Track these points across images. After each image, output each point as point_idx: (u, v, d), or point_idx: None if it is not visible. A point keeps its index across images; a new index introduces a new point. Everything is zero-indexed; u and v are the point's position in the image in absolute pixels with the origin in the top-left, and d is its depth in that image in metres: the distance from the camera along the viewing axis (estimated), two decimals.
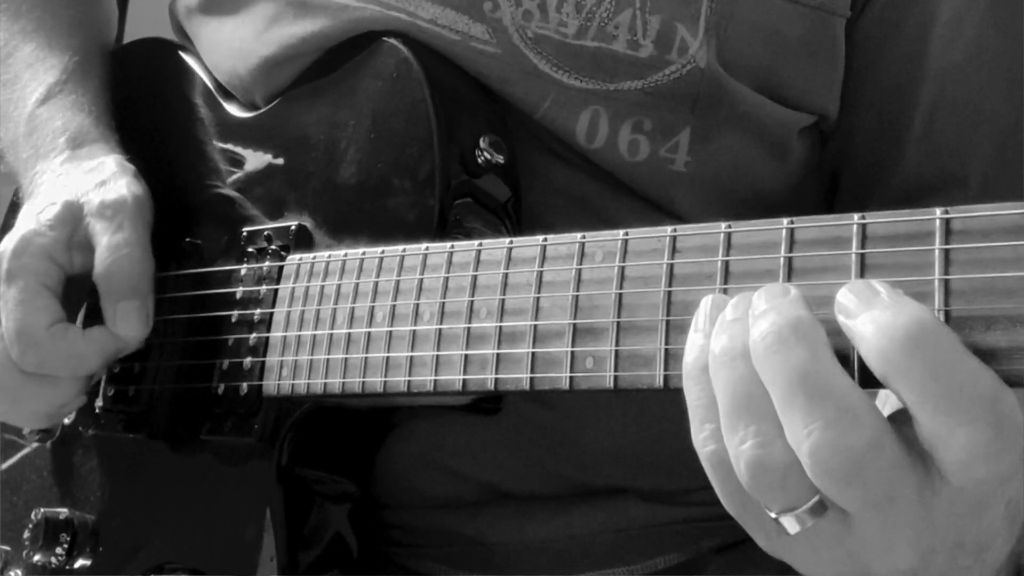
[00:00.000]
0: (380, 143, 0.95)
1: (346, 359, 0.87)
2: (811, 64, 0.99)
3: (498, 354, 0.77)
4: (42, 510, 1.08)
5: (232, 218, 1.05)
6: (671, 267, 0.69)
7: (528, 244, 0.78)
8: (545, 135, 0.98)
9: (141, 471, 1.06)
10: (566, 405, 0.97)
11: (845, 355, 0.59)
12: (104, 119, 1.13)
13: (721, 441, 0.62)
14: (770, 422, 0.59)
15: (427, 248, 0.84)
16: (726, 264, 0.67)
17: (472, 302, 0.80)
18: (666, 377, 0.68)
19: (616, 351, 0.71)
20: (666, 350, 0.68)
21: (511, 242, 0.79)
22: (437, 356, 0.81)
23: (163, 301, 1.04)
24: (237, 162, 1.07)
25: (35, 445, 1.15)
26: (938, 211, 0.59)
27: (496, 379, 0.77)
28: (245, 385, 0.96)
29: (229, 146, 1.09)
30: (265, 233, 1.00)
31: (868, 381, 0.58)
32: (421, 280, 0.83)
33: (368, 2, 0.99)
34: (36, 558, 1.06)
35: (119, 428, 1.07)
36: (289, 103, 1.04)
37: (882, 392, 0.59)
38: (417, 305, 0.83)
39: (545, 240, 0.77)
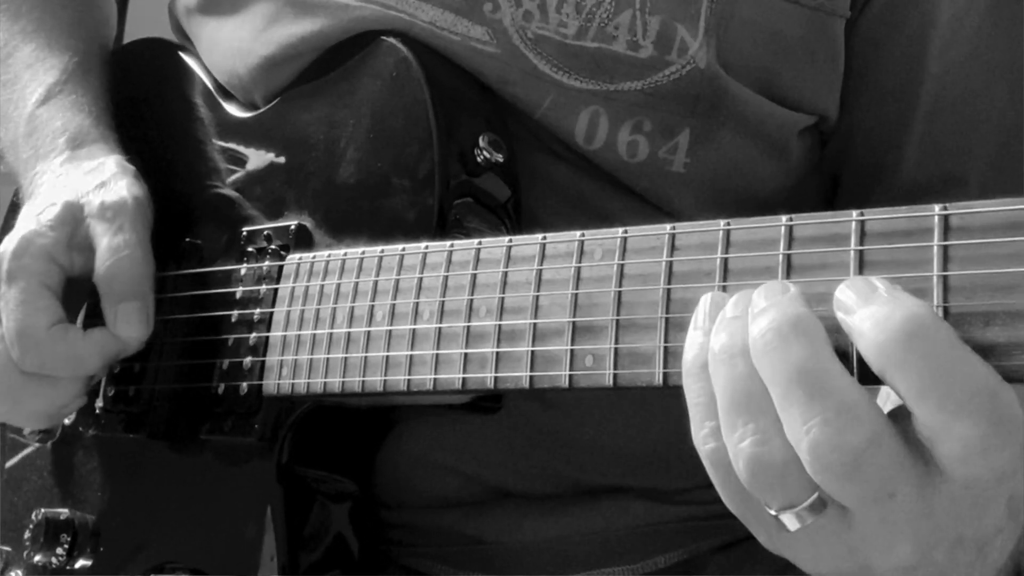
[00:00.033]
0: (379, 142, 0.95)
1: (346, 358, 0.87)
2: (811, 65, 0.99)
3: (498, 352, 0.77)
4: (43, 510, 1.08)
5: (232, 218, 1.05)
6: (670, 265, 0.69)
7: (527, 242, 0.78)
8: (544, 135, 0.98)
9: (141, 471, 1.06)
10: (566, 404, 0.97)
11: (844, 352, 0.59)
12: (104, 119, 1.13)
13: (721, 438, 0.62)
14: (769, 419, 0.59)
15: (427, 247, 0.84)
16: (725, 261, 0.67)
17: (471, 300, 0.80)
18: (665, 375, 0.68)
19: (615, 349, 0.71)
20: (665, 348, 0.68)
21: (510, 240, 0.79)
22: (437, 355, 0.81)
23: (163, 301, 1.04)
24: (237, 162, 1.07)
25: (36, 445, 1.15)
26: (936, 207, 0.59)
27: (496, 377, 0.77)
28: (245, 385, 0.96)
29: (229, 146, 1.09)
30: (265, 233, 1.00)
31: (867, 377, 0.58)
32: (420, 279, 0.83)
33: (368, 1, 0.99)
34: (37, 558, 1.06)
35: (119, 428, 1.07)
36: (288, 103, 1.05)
37: (883, 390, 0.59)
38: (417, 304, 0.83)
39: (544, 238, 0.77)
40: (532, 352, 0.75)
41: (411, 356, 0.82)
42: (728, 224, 0.67)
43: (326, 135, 0.99)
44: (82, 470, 1.11)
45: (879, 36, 1.00)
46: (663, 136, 0.97)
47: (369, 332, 0.86)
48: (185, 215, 1.08)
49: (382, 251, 0.87)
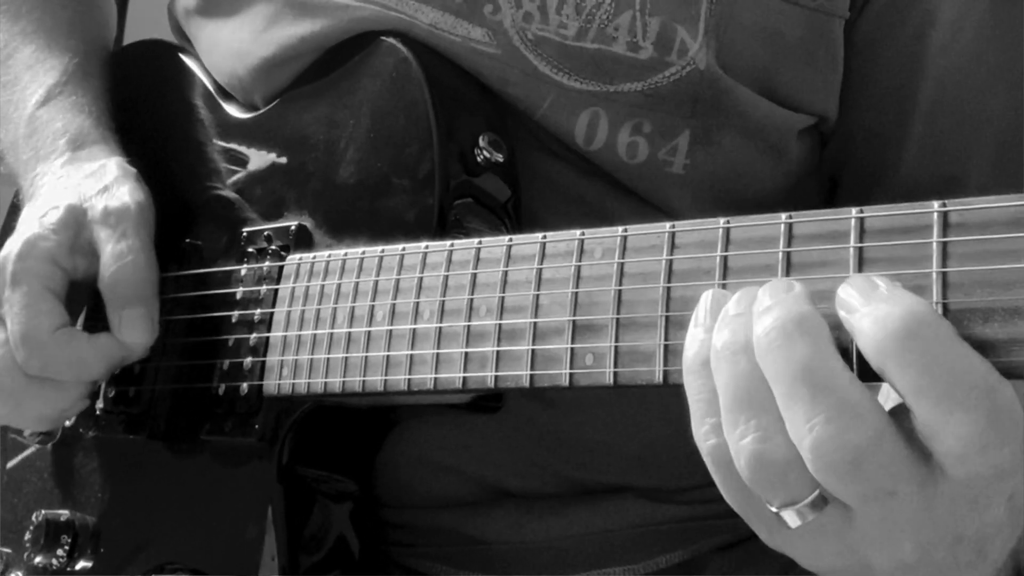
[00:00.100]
0: (380, 142, 0.95)
1: (346, 358, 0.87)
2: (810, 65, 0.99)
3: (498, 351, 0.77)
4: (43, 512, 1.08)
5: (232, 219, 1.05)
6: (670, 263, 0.69)
7: (527, 241, 0.78)
8: (544, 135, 0.98)
9: (142, 472, 1.06)
10: (566, 404, 0.97)
11: (845, 349, 0.59)
12: (104, 120, 1.13)
13: (723, 435, 0.62)
14: (771, 417, 0.59)
15: (427, 247, 0.84)
16: (725, 260, 0.67)
17: (472, 300, 0.80)
18: (666, 373, 0.68)
19: (616, 347, 0.71)
20: (665, 346, 0.68)
21: (510, 240, 0.79)
22: (437, 354, 0.81)
23: (164, 302, 1.04)
24: (237, 163, 1.07)
25: (36, 447, 1.15)
26: (935, 204, 0.59)
27: (496, 377, 0.77)
28: (245, 385, 0.96)
29: (229, 147, 1.09)
30: (265, 233, 1.00)
31: (866, 374, 0.59)
32: (421, 279, 0.83)
33: (368, 2, 0.99)
34: (37, 560, 1.06)
35: (120, 429, 1.07)
36: (288, 103, 1.05)
37: (883, 388, 0.59)
38: (417, 303, 0.83)
39: (544, 237, 0.77)
40: (532, 351, 0.75)
41: (411, 356, 0.82)
42: (728, 222, 0.67)
43: (326, 135, 0.99)
44: (82, 471, 1.11)
45: (878, 37, 1.00)
46: (663, 137, 0.97)
47: (369, 332, 0.86)
48: (185, 216, 1.09)
49: (382, 251, 0.87)
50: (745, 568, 1.02)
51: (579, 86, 0.96)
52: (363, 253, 0.89)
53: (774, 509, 0.61)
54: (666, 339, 0.68)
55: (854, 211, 0.62)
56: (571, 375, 0.73)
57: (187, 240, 1.07)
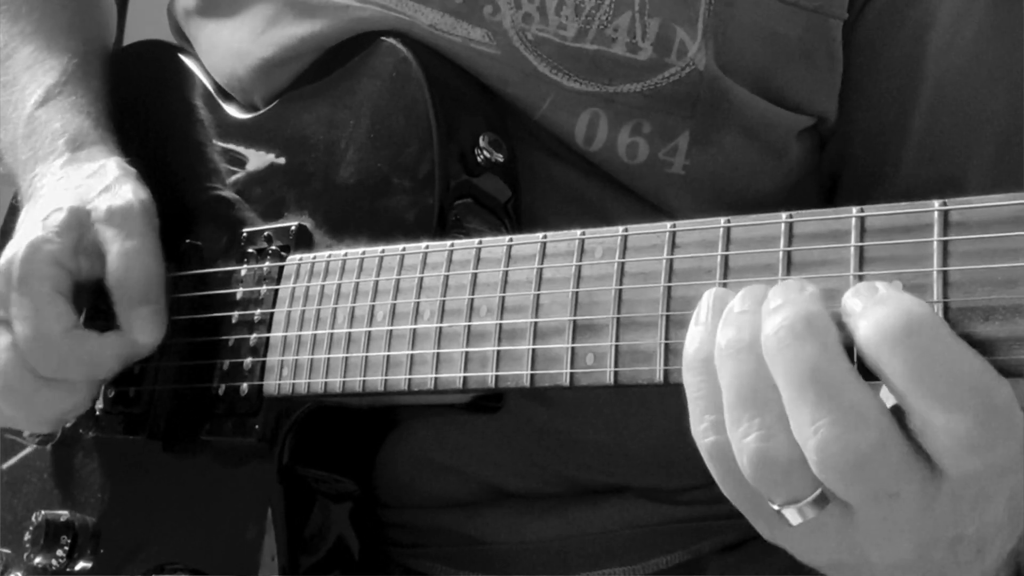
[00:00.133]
0: (380, 143, 0.95)
1: (347, 358, 0.87)
2: (809, 66, 1.00)
3: (498, 351, 0.77)
4: (43, 512, 1.08)
5: (232, 219, 1.05)
6: (671, 263, 0.69)
7: (528, 241, 0.78)
8: (544, 136, 0.98)
9: (142, 472, 1.06)
10: (566, 404, 0.97)
11: (848, 347, 0.60)
12: (103, 121, 1.13)
13: (721, 433, 0.62)
14: (775, 415, 0.59)
15: (427, 247, 0.84)
16: (725, 259, 0.67)
17: (472, 300, 0.80)
18: (666, 372, 0.68)
19: (616, 347, 0.71)
20: (666, 345, 0.68)
21: (511, 240, 0.79)
22: (438, 354, 0.81)
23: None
24: (237, 163, 1.07)
25: (34, 447, 1.15)
26: (936, 203, 0.59)
27: (496, 376, 0.77)
28: (245, 385, 0.96)
29: (229, 147, 1.09)
30: (265, 234, 1.00)
31: (866, 375, 0.58)
32: (421, 279, 0.83)
33: (367, 3, 0.99)
34: (37, 560, 1.06)
35: (119, 429, 1.07)
36: (288, 104, 1.05)
37: (884, 388, 0.59)
38: (417, 303, 0.83)
39: (545, 237, 0.77)
40: (533, 351, 0.75)
41: (412, 355, 0.82)
42: (728, 221, 0.67)
43: (326, 136, 0.99)
44: (82, 472, 1.11)
45: (877, 38, 1.01)
46: (663, 138, 0.97)
47: (370, 332, 0.86)
48: (185, 216, 1.09)
49: (383, 251, 0.87)
50: (745, 569, 1.01)
51: (579, 87, 0.96)
52: (363, 253, 0.89)
53: (775, 507, 0.61)
54: (667, 338, 0.68)
55: (855, 210, 0.62)
56: (572, 375, 0.73)
57: (187, 240, 1.07)
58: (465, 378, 0.79)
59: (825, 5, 0.98)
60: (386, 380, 0.84)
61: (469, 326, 0.79)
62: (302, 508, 0.95)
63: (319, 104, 1.01)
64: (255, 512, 0.94)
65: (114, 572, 1.04)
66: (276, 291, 0.96)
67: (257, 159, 1.05)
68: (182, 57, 1.19)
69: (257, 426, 0.95)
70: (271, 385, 0.94)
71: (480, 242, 0.81)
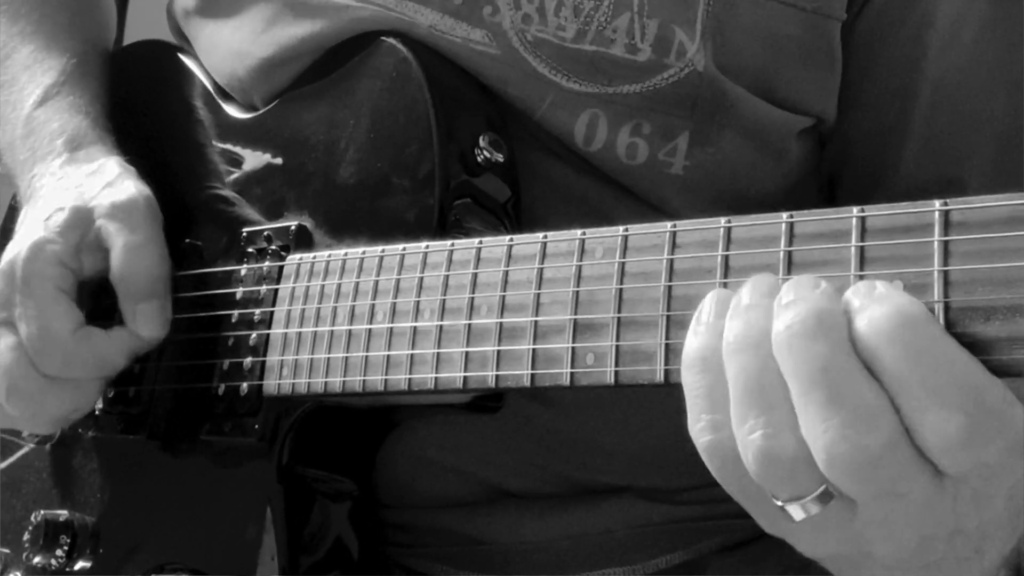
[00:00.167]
0: (379, 142, 0.95)
1: (347, 358, 0.87)
2: (808, 67, 1.00)
3: (499, 351, 0.77)
4: (42, 512, 1.08)
5: (232, 219, 1.05)
6: (671, 262, 0.69)
7: (528, 241, 0.78)
8: (544, 136, 0.98)
9: (141, 472, 1.06)
10: (566, 404, 0.97)
11: None
12: (101, 121, 1.13)
13: (719, 431, 0.62)
14: (782, 413, 0.59)
15: (427, 246, 0.84)
16: (726, 259, 0.67)
17: (472, 299, 0.80)
18: (667, 372, 0.68)
19: (616, 347, 0.71)
20: (666, 345, 0.68)
21: (511, 239, 0.79)
22: (438, 354, 0.81)
23: None
24: (236, 163, 1.07)
25: (32, 446, 1.15)
26: (937, 203, 0.59)
27: (497, 376, 0.77)
28: (245, 385, 0.96)
29: (228, 147, 1.09)
30: (265, 233, 1.00)
31: None
32: (421, 278, 0.83)
33: (367, 3, 0.99)
34: (36, 560, 1.06)
35: (119, 429, 1.07)
36: (288, 104, 1.05)
37: None
38: (418, 303, 0.83)
39: (545, 237, 0.77)
40: (533, 350, 0.75)
41: (412, 355, 0.82)
42: (729, 221, 0.67)
43: (326, 135, 0.99)
44: (81, 471, 1.11)
45: (877, 38, 1.00)
46: (662, 139, 0.97)
47: (370, 331, 0.86)
48: (185, 216, 1.08)
49: (383, 251, 0.87)
50: (745, 569, 1.02)
51: (578, 88, 0.96)
52: (363, 253, 0.89)
53: (779, 503, 0.61)
54: (667, 338, 0.68)
55: (855, 210, 0.62)
56: (572, 374, 0.73)
57: (187, 240, 1.07)
58: (465, 378, 0.79)
59: (824, 6, 0.98)
60: (386, 380, 0.84)
61: (469, 325, 0.79)
62: (302, 508, 0.95)
63: (319, 104, 1.01)
64: (255, 512, 0.94)
65: (113, 572, 1.04)
66: (276, 291, 0.96)
67: (257, 159, 1.06)
68: (182, 57, 1.19)
69: (257, 426, 0.95)
70: (271, 385, 0.94)
71: (480, 242, 0.81)
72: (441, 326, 0.81)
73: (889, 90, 1.01)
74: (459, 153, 0.92)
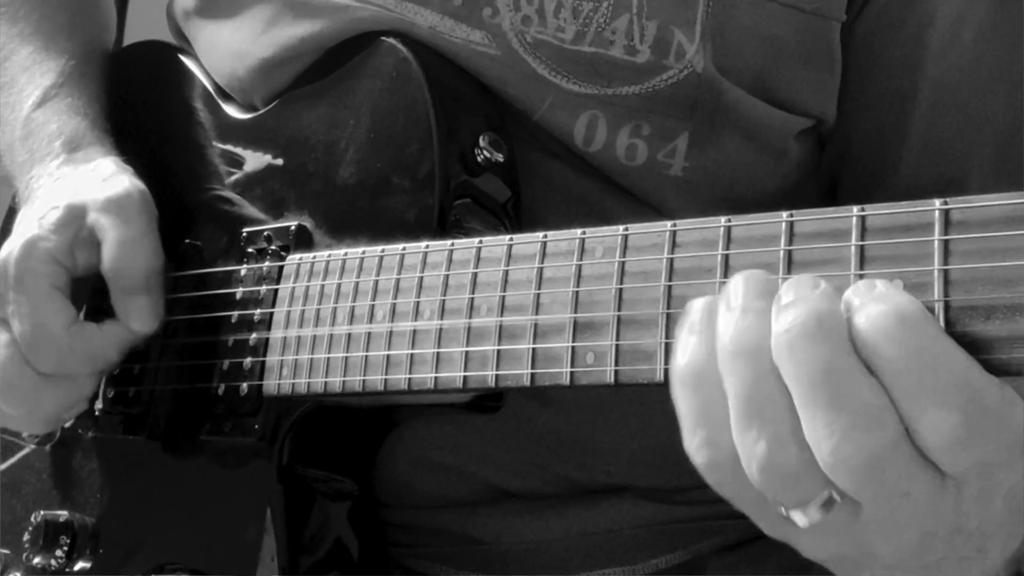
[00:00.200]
0: (379, 143, 0.95)
1: (347, 358, 0.87)
2: (807, 68, 0.99)
3: (499, 350, 0.77)
4: (42, 512, 1.08)
5: (232, 219, 1.05)
6: (671, 262, 0.69)
7: (528, 241, 0.78)
8: (544, 136, 0.98)
9: (141, 472, 1.06)
10: (566, 404, 0.97)
11: None
12: (100, 123, 1.13)
13: (717, 448, 0.61)
14: (784, 420, 0.59)
15: (427, 246, 0.84)
16: (726, 258, 0.67)
17: (472, 299, 0.80)
18: (667, 371, 0.68)
19: (617, 346, 0.71)
20: (666, 344, 0.68)
21: (511, 239, 0.79)
22: (438, 353, 0.81)
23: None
24: (236, 163, 1.07)
25: (32, 447, 1.15)
26: (937, 202, 0.59)
27: (497, 375, 0.77)
28: (245, 385, 0.96)
29: (228, 147, 1.09)
30: (265, 233, 1.00)
31: None
32: (421, 278, 0.83)
33: (367, 3, 0.99)
34: (36, 560, 1.06)
35: (119, 429, 1.07)
36: (288, 104, 1.05)
37: None
38: (417, 303, 0.83)
39: (545, 236, 0.77)
40: (533, 350, 0.75)
41: (412, 355, 0.82)
42: (729, 221, 0.67)
43: (326, 136, 0.99)
44: (81, 472, 1.11)
45: (877, 38, 1.00)
46: (661, 140, 0.97)
47: (370, 331, 0.86)
48: (185, 216, 1.09)
49: (383, 251, 0.87)
50: (745, 569, 1.02)
51: (577, 89, 0.96)
52: (363, 253, 0.89)
53: (783, 512, 0.61)
54: (667, 337, 0.68)
55: (855, 209, 0.61)
56: (572, 374, 0.73)
57: (187, 240, 1.07)
58: (465, 377, 0.79)
59: (823, 7, 0.98)
60: (386, 380, 0.84)
61: (469, 324, 0.79)
62: (302, 508, 0.95)
63: (319, 104, 1.01)
64: (254, 512, 0.94)
65: (113, 572, 1.04)
66: (276, 291, 0.96)
67: (257, 159, 1.06)
68: (182, 57, 1.19)
69: (257, 426, 0.95)
70: (271, 385, 0.94)
71: (480, 241, 0.81)
72: (441, 326, 0.81)
73: (889, 91, 1.01)
74: (459, 153, 0.92)
